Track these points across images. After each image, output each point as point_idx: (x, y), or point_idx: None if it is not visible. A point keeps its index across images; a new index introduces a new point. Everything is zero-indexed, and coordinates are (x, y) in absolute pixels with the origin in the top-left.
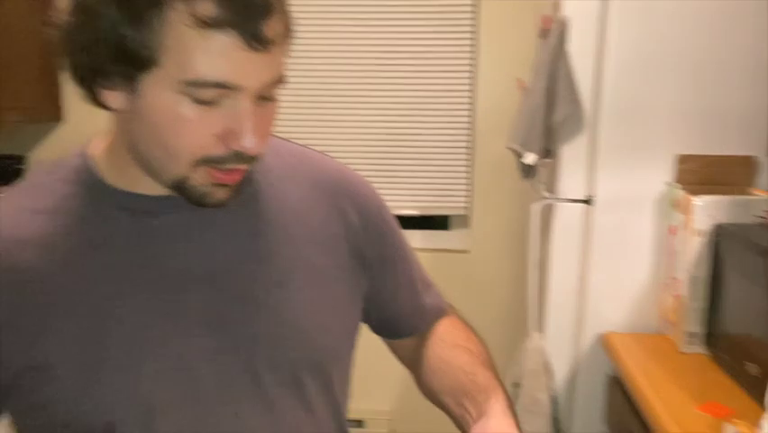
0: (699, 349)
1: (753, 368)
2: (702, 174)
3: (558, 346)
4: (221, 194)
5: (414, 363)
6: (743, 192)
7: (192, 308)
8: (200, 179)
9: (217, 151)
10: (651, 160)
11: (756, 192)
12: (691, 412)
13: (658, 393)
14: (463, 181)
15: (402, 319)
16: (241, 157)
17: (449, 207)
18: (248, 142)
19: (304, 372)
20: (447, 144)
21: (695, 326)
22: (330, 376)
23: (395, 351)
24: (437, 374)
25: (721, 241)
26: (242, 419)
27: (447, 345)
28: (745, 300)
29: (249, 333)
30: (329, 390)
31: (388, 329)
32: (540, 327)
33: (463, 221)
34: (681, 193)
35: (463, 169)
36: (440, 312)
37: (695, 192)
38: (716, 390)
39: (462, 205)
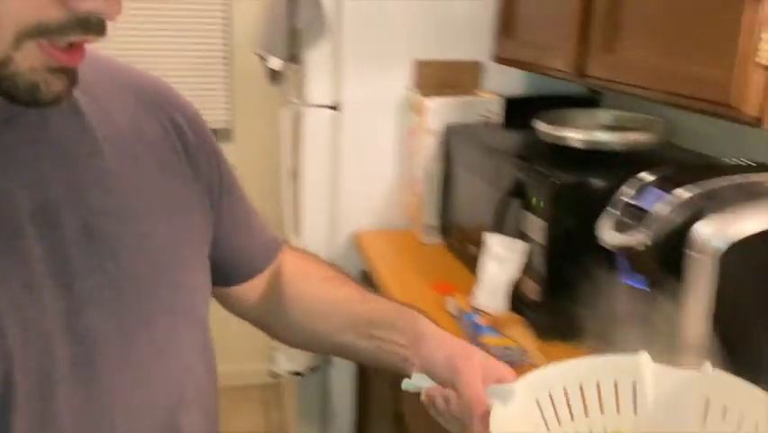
0: (436, 239)
1: (473, 249)
2: (436, 78)
3: (314, 248)
4: (58, 84)
5: (267, 311)
6: (471, 94)
7: (32, 258)
8: (28, 62)
9: (55, 14)
10: (392, 65)
11: (481, 93)
12: (424, 293)
13: (399, 280)
14: (223, 95)
15: (244, 258)
16: (87, 24)
17: (209, 122)
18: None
19: (180, 322)
20: (203, 57)
21: (432, 219)
22: (205, 324)
23: (229, 303)
24: (322, 315)
25: (451, 140)
26: (110, 397)
27: (317, 279)
28: (471, 192)
29: (110, 281)
30: (206, 341)
31: (227, 273)
32: (297, 231)
33: (226, 135)
34: (417, 96)
35: (222, 81)
36: (278, 245)
37: (429, 95)
38: (447, 272)
39: (224, 118)
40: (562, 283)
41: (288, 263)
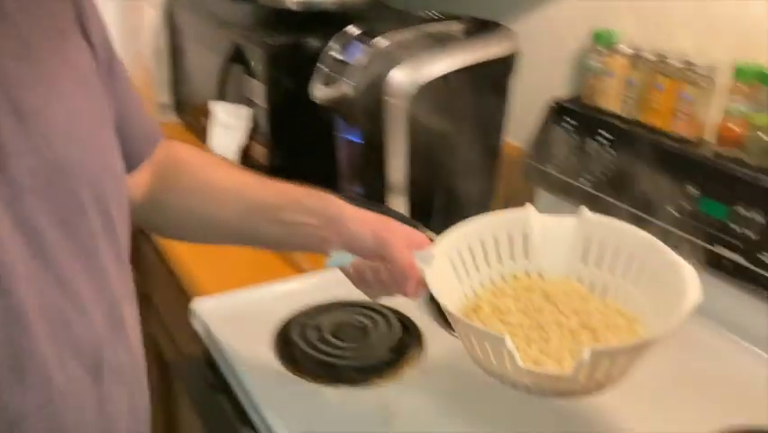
0: (171, 117)
1: (206, 123)
2: None
3: None
4: None
5: (155, 207)
6: None
7: None
8: None
9: None
10: None
11: None
12: None
13: None
14: None
15: (133, 144)
16: None
17: None
18: None
19: (113, 210)
20: None
21: (164, 96)
22: (128, 213)
23: None
24: (221, 202)
25: (175, 11)
26: (64, 291)
27: (211, 167)
28: (199, 64)
29: (43, 164)
30: (114, 235)
31: None
32: None
33: None
34: None
35: None
36: (160, 132)
37: None
38: None
39: None
40: (287, 145)
41: (176, 153)
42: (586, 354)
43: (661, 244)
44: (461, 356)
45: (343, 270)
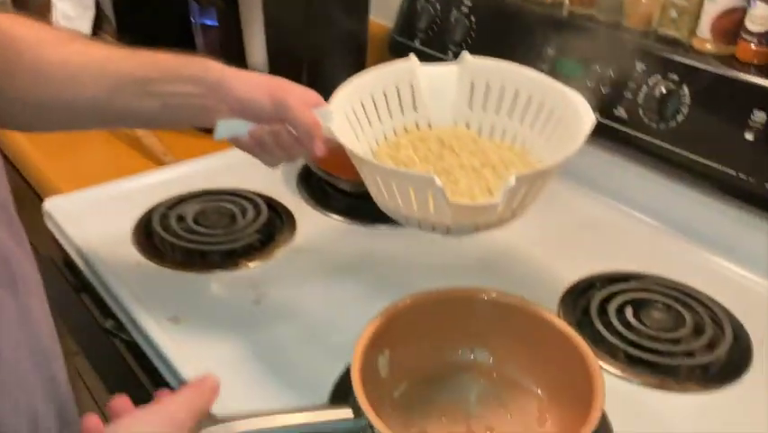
0: (10, 11)
1: (49, 16)
2: None
3: None
4: None
5: None
6: None
7: None
8: None
9: None
10: None
11: None
12: None
13: None
14: None
15: None
16: None
17: None
18: None
19: None
20: None
21: None
22: None
23: None
24: (79, 81)
25: None
26: None
27: (59, 42)
28: None
29: None
30: None
31: None
32: None
33: None
34: None
35: None
36: None
37: None
38: None
39: None
40: (137, 33)
41: (7, 29)
42: (512, 180)
43: (544, 76)
44: (333, 236)
45: (235, 140)
